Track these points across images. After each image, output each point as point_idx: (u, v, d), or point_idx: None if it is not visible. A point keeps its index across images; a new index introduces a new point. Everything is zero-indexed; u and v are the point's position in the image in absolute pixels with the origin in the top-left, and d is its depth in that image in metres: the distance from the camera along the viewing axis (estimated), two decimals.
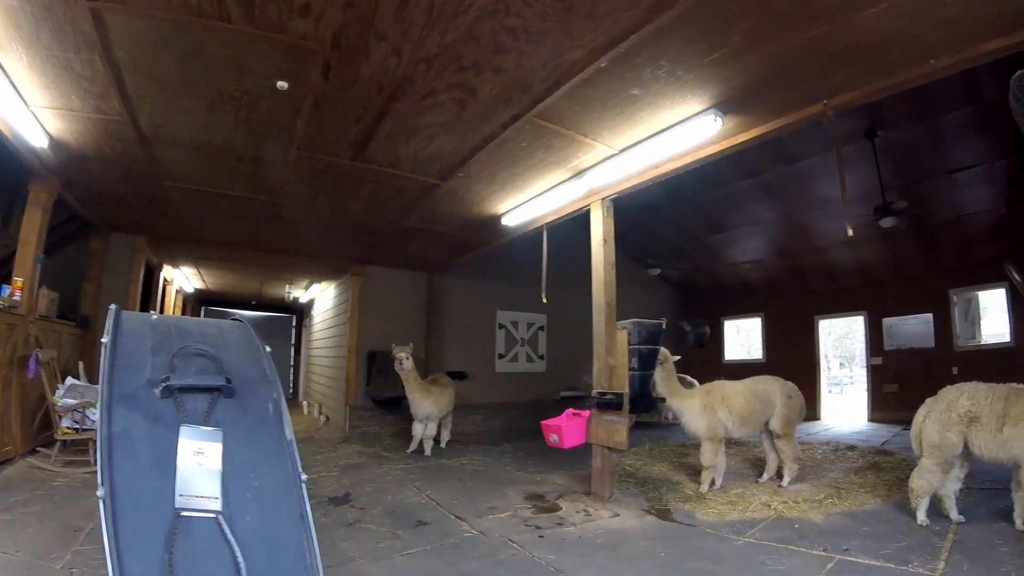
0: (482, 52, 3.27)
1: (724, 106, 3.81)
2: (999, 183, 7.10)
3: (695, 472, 5.67)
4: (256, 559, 1.57)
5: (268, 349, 2.14)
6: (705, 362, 11.81)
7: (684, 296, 13.40)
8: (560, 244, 6.53)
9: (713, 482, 5.25)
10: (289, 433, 1.86)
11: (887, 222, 7.27)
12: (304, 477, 1.78)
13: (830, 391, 16.08)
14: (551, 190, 5.55)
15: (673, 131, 4.14)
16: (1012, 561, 3.34)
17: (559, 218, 6.09)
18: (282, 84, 3.65)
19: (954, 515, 4.08)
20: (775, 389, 5.42)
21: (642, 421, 8.56)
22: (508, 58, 3.32)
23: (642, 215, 9.40)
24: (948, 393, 4.10)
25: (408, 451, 7.17)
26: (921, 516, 4.10)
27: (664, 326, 5.09)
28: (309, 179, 5.44)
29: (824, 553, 3.60)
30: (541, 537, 3.91)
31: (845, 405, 13.25)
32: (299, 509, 1.73)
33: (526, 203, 5.96)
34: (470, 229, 7.07)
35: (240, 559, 1.53)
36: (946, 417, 3.98)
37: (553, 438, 5.17)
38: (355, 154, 4.81)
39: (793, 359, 11.14)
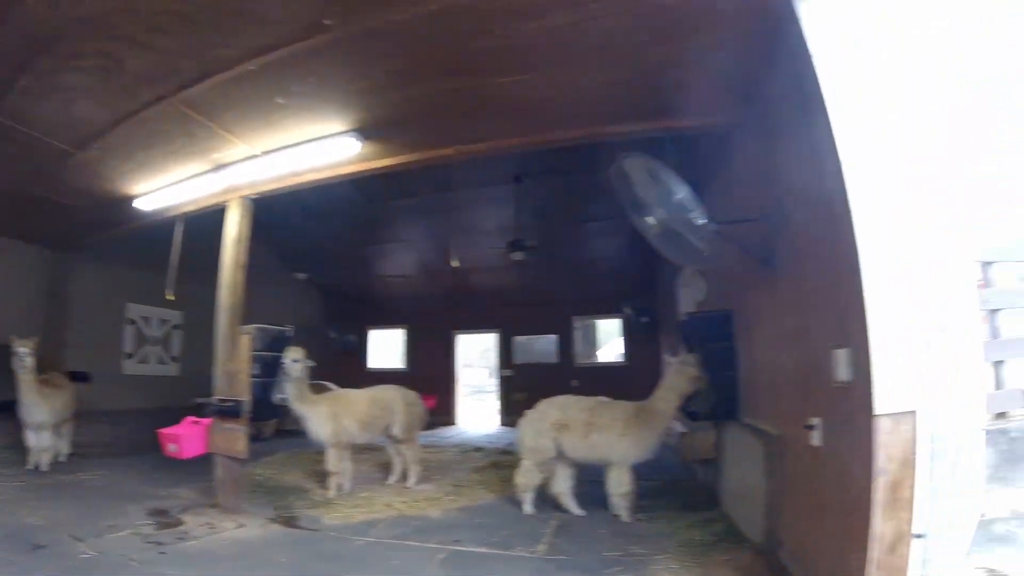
0: (139, 27, 3.08)
1: (365, 132, 4.10)
2: (623, 236, 8.63)
3: (326, 478, 5.69)
4: None
5: None
6: (351, 370, 11.95)
7: (335, 303, 13.36)
8: (205, 237, 5.92)
9: (341, 487, 5.35)
10: None
11: (517, 255, 8.47)
12: None
13: (475, 398, 17.92)
14: (190, 180, 5.17)
15: (315, 144, 4.28)
16: (607, 541, 4.06)
17: (198, 209, 5.62)
18: None
19: (574, 509, 4.78)
20: (396, 397, 5.81)
21: (286, 429, 8.25)
22: (163, 38, 3.17)
23: (299, 218, 9.10)
24: (543, 405, 4.90)
25: (26, 467, 5.85)
26: (527, 508, 4.77)
27: (290, 333, 5.06)
28: None
29: (438, 545, 3.93)
30: (163, 553, 3.72)
31: (485, 411, 14.94)
32: None
33: (164, 189, 5.42)
34: (103, 207, 6.14)
35: None
36: (540, 425, 4.76)
37: (172, 448, 4.81)
38: None
39: (433, 369, 12.19)
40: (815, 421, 2.77)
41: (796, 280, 3.10)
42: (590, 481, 4.94)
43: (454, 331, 12.87)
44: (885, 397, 2.15)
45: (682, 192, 3.22)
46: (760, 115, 3.41)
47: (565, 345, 11.94)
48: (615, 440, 4.58)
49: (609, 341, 13.30)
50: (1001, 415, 4.16)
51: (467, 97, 3.49)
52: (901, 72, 2.54)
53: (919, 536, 2.26)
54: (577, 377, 11.10)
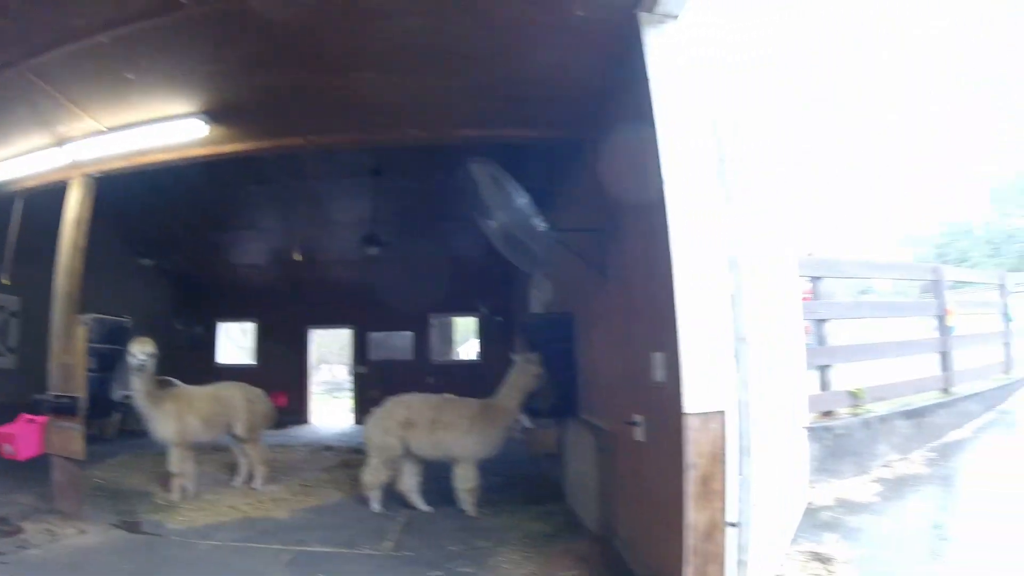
0: None
1: (214, 115, 3.92)
2: (480, 236, 8.81)
3: (170, 480, 5.31)
4: None
5: None
6: (198, 364, 10.99)
7: (182, 293, 12.19)
8: (49, 217, 5.22)
9: (186, 489, 5.03)
10: None
11: (372, 250, 8.27)
12: None
13: (331, 395, 17.25)
14: (32, 153, 4.65)
15: (163, 124, 4.04)
16: (452, 535, 4.14)
17: (39, 186, 5.01)
18: None
19: (421, 506, 4.79)
20: (237, 394, 5.54)
21: (130, 428, 7.45)
22: (15, 1, 2.89)
23: (146, 201, 8.18)
24: (390, 403, 4.89)
25: None
26: (375, 506, 4.73)
27: (129, 324, 4.59)
28: None
29: (283, 547, 3.85)
30: (4, 563, 3.54)
31: (339, 409, 14.44)
32: None
33: (2, 161, 4.77)
34: None
35: None
36: (386, 423, 4.75)
37: (7, 448, 4.43)
38: None
39: (285, 365, 11.57)
40: (638, 418, 3.01)
41: (624, 288, 3.36)
42: (437, 477, 4.99)
43: (307, 326, 12.26)
44: (694, 398, 2.39)
45: (522, 199, 3.37)
46: (605, 132, 3.64)
47: (421, 342, 11.81)
48: (460, 437, 4.67)
49: (467, 339, 13.41)
50: (827, 414, 4.86)
51: (319, 90, 3.46)
52: (729, 103, 2.86)
53: (733, 525, 2.53)
54: (434, 375, 11.06)
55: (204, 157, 4.42)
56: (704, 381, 2.38)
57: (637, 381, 3.05)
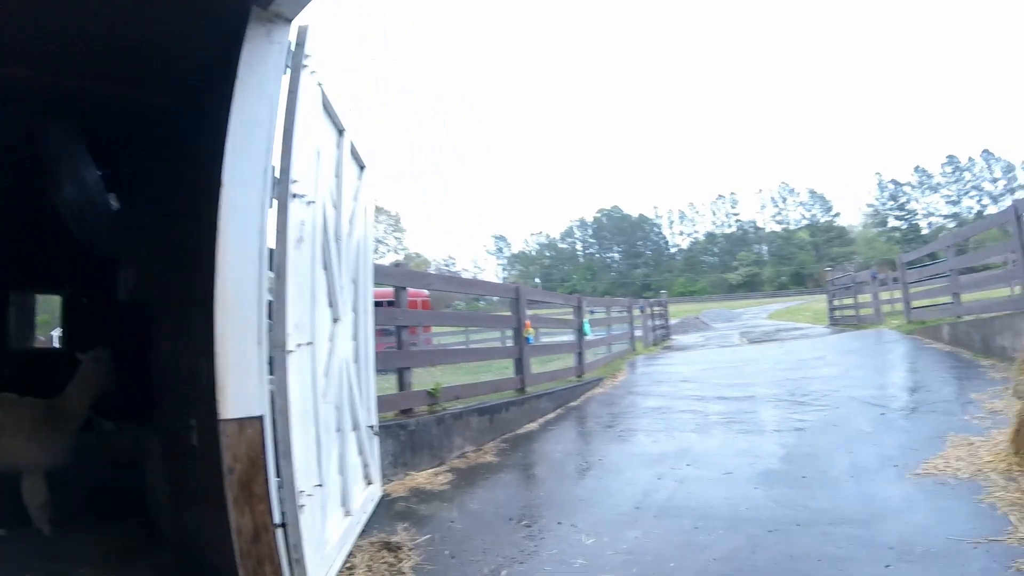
0: None
1: None
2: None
3: None
4: None
5: None
6: None
7: None
8: None
9: None
10: None
11: None
12: None
13: None
14: None
15: None
16: (26, 560, 3.47)
17: None
18: None
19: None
20: None
21: None
22: None
23: None
24: None
25: None
26: None
27: None
28: None
29: None
30: None
31: None
32: None
33: None
34: None
35: None
36: None
37: None
38: None
39: None
40: (192, 422, 2.88)
41: (187, 283, 3.15)
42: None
43: None
44: (231, 403, 2.39)
45: (92, 174, 2.92)
46: (205, 116, 3.37)
47: None
48: (22, 445, 3.88)
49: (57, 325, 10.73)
50: (406, 412, 5.30)
51: None
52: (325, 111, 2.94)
53: (280, 526, 2.59)
54: (9, 366, 8.62)
55: None
56: (241, 386, 2.41)
57: (192, 384, 2.91)
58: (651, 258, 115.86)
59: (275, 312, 2.49)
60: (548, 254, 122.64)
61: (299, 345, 2.67)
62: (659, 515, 3.82)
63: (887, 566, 2.85)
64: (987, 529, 3.08)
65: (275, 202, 2.56)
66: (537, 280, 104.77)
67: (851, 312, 17.72)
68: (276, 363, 2.48)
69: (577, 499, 4.27)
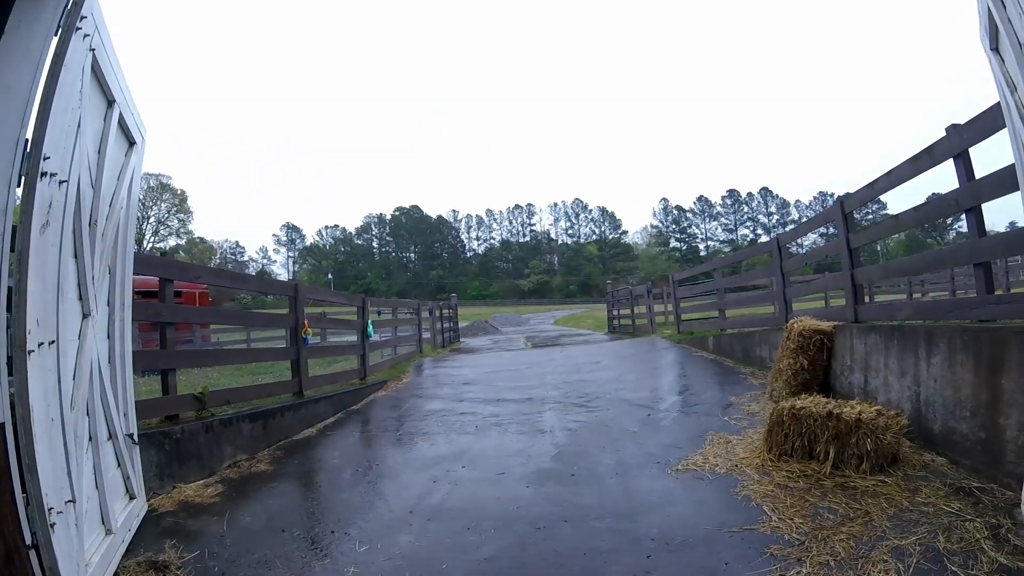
0: None
1: None
2: None
3: None
4: None
5: None
6: None
7: None
8: None
9: None
10: None
11: None
12: None
13: None
14: None
15: None
16: None
17: None
18: None
19: None
20: None
21: None
22: None
23: None
24: None
25: None
26: None
27: None
28: None
29: None
30: None
31: None
32: None
33: None
34: None
35: None
36: None
37: None
38: None
39: None
40: None
41: None
42: None
43: None
44: None
45: None
46: None
47: None
48: None
49: None
50: (171, 418, 4.72)
51: None
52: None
53: (33, 546, 2.23)
54: None
55: None
56: None
57: None
58: (447, 260, 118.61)
59: (15, 307, 2.15)
60: (343, 249, 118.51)
61: (41, 344, 2.34)
62: (432, 518, 3.90)
63: (648, 556, 3.06)
64: (742, 519, 3.36)
65: (22, 180, 2.22)
66: (330, 276, 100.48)
67: (628, 321, 19.37)
68: (16, 365, 2.15)
69: (352, 506, 4.23)
